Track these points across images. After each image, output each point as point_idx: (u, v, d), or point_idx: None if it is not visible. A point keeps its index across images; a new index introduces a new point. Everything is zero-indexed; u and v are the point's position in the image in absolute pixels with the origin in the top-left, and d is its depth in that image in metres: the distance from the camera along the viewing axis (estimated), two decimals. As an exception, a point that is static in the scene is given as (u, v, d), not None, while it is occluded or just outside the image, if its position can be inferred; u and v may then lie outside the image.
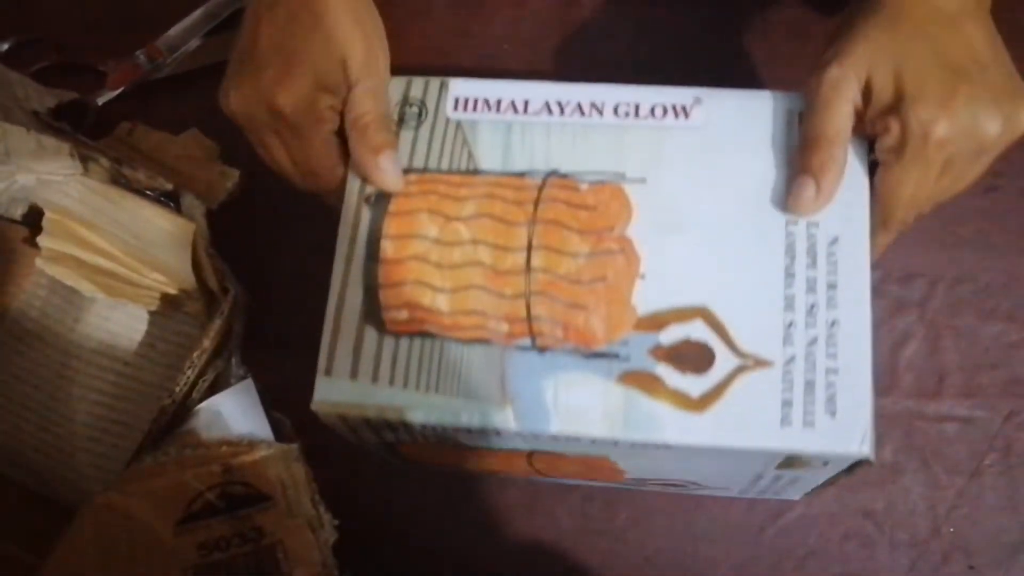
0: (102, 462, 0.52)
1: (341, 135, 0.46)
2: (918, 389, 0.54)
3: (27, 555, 0.47)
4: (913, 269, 0.55)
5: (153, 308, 0.53)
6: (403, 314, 0.44)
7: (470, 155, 0.46)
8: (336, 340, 0.44)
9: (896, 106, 0.40)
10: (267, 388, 0.51)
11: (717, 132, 0.45)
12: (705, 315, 0.42)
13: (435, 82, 0.48)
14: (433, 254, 0.44)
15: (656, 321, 0.42)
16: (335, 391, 0.43)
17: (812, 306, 0.42)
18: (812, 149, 0.41)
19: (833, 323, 0.41)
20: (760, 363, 0.41)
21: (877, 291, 0.54)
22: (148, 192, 0.53)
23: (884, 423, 0.53)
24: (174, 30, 0.60)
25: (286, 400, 0.51)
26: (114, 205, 0.52)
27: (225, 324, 0.51)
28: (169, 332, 0.55)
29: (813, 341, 0.41)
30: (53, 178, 0.51)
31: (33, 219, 0.54)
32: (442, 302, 0.44)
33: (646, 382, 0.42)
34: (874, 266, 0.55)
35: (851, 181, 0.43)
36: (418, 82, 0.48)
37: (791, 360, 0.41)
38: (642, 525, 0.53)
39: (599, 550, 0.53)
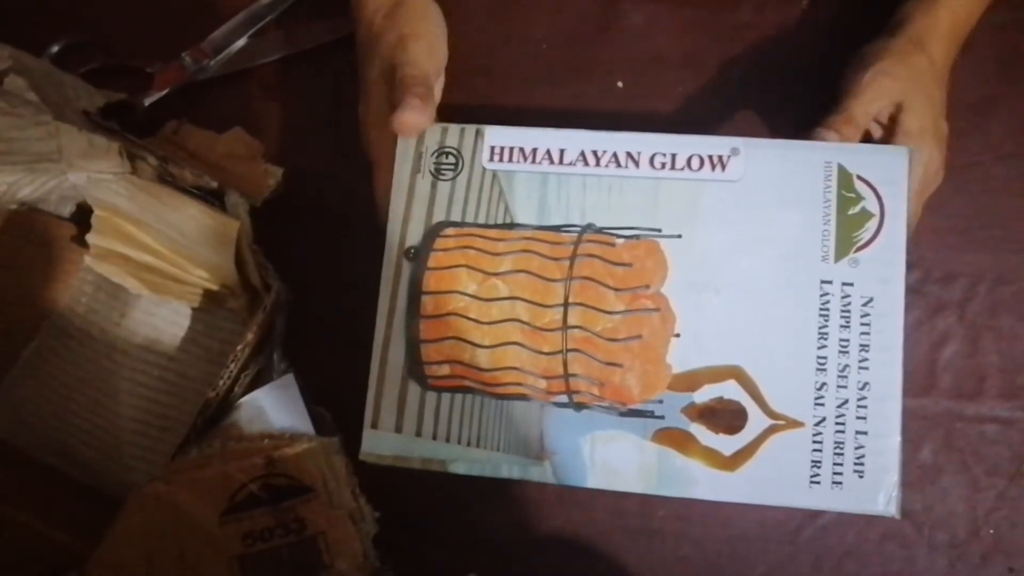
0: (147, 455, 0.53)
1: None
2: (958, 390, 0.53)
3: (76, 543, 0.48)
4: (954, 270, 0.54)
5: (197, 304, 0.54)
6: (444, 369, 0.45)
7: (507, 208, 0.46)
8: (381, 394, 0.46)
9: (914, 135, 0.49)
10: (308, 383, 0.52)
11: (754, 186, 0.45)
12: (738, 375, 0.43)
13: (470, 130, 0.48)
14: (472, 310, 0.45)
15: (690, 380, 0.43)
16: (381, 444, 0.45)
17: (844, 367, 0.43)
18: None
19: (864, 385, 0.42)
20: (792, 424, 0.42)
21: (917, 291, 0.54)
22: (194, 190, 0.54)
23: (923, 424, 0.53)
24: (218, 32, 0.61)
25: (327, 394, 0.52)
26: (161, 203, 0.53)
27: (268, 319, 0.52)
28: (212, 328, 0.55)
29: (844, 403, 0.42)
30: (103, 176, 0.52)
31: (81, 217, 0.55)
32: (482, 358, 0.45)
33: (680, 440, 0.43)
34: (915, 266, 0.55)
35: (889, 241, 0.43)
36: (454, 130, 0.48)
37: (822, 421, 0.42)
38: (679, 523, 0.53)
39: (635, 548, 0.53)
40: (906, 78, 0.49)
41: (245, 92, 0.61)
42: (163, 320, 0.56)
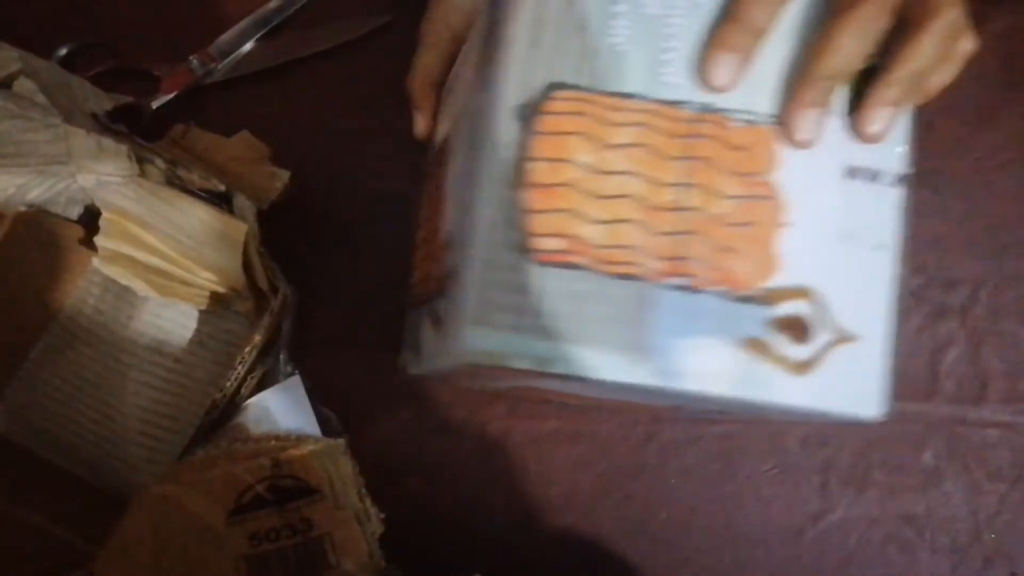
0: (154, 455, 0.53)
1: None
2: (960, 395, 0.54)
3: (83, 542, 0.49)
4: (955, 275, 0.55)
5: (204, 307, 0.54)
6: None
7: None
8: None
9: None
10: (315, 385, 0.52)
11: None
12: None
13: None
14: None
15: None
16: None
17: None
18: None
19: None
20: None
21: (919, 296, 0.54)
22: (202, 193, 0.54)
23: (925, 429, 0.53)
24: (225, 36, 0.62)
25: (333, 396, 0.52)
26: (169, 206, 0.53)
27: (275, 322, 0.52)
28: (219, 330, 0.56)
29: None
30: (111, 179, 0.53)
31: (89, 219, 0.56)
32: None
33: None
34: (917, 271, 0.55)
35: None
36: None
37: None
38: (681, 525, 0.53)
39: (638, 550, 0.54)
40: None
41: (252, 96, 0.62)
42: (170, 322, 0.56)
